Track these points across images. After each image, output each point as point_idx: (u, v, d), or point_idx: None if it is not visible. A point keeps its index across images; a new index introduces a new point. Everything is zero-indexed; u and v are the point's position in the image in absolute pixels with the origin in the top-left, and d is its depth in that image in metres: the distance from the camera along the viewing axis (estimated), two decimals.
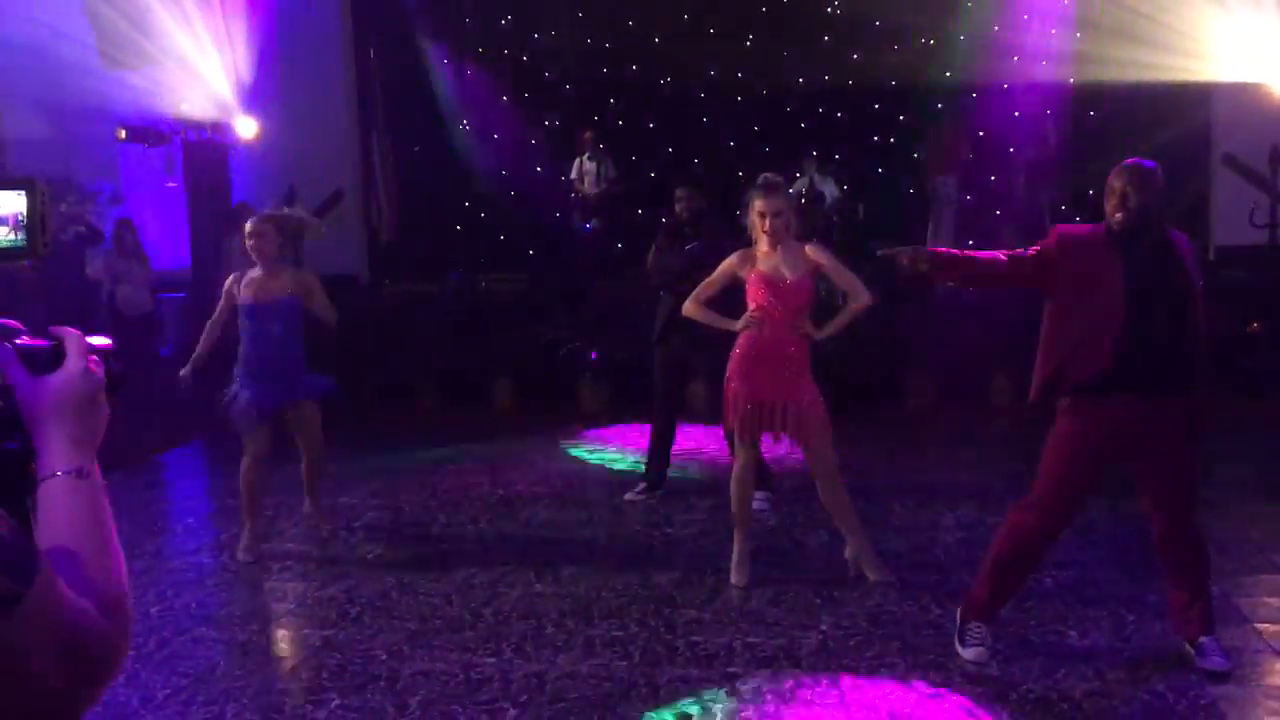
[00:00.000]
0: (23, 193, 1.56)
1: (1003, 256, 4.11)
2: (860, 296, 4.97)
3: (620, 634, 4.44)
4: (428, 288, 10.98)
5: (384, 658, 4.27)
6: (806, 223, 10.98)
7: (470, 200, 12.72)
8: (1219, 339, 8.58)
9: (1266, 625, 4.38)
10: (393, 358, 9.77)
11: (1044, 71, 10.76)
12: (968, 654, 4.08)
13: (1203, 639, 3.95)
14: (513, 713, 3.78)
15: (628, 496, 6.48)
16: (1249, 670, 3.96)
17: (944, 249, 4.25)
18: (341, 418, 8.85)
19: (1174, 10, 9.52)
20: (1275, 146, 9.90)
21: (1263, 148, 9.98)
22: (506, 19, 12.60)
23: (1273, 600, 4.71)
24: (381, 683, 4.05)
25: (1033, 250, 4.06)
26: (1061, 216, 9.41)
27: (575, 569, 5.27)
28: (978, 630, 4.13)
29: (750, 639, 4.36)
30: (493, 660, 4.21)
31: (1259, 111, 9.98)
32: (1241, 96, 10.05)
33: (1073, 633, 4.32)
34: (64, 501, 1.17)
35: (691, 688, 3.93)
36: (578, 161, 12.45)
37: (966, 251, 4.28)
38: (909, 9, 11.32)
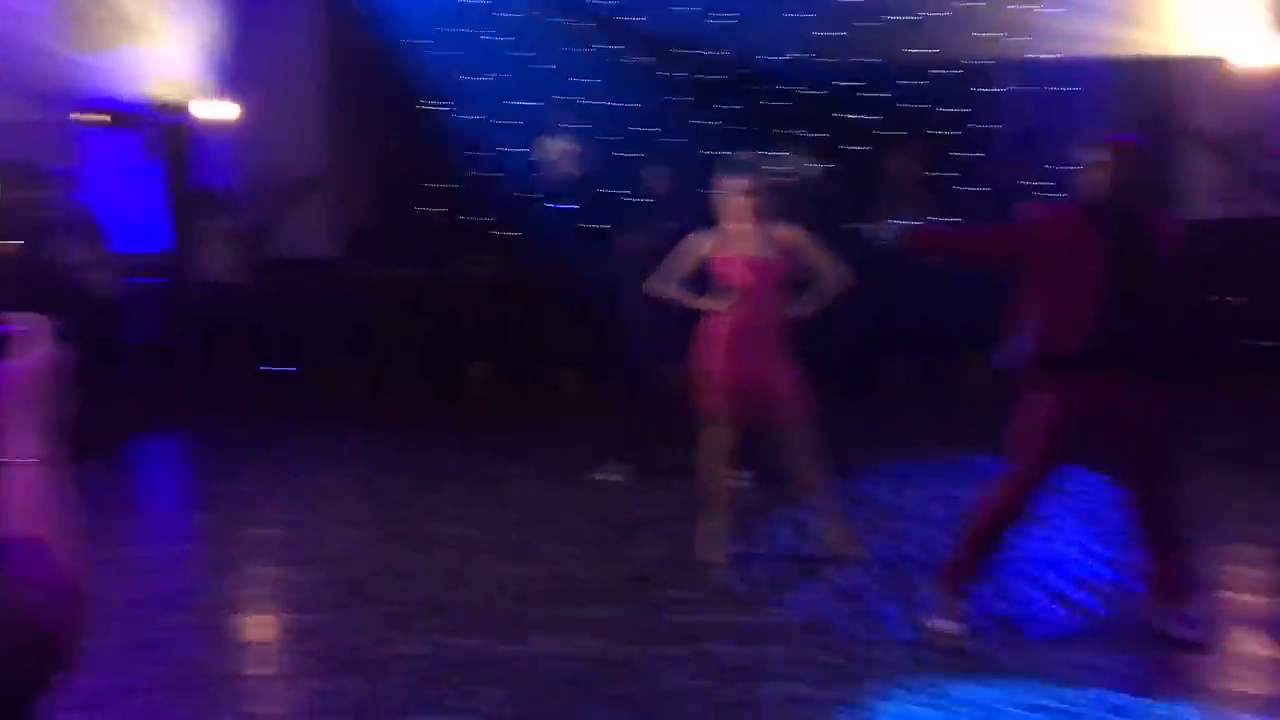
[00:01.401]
0: None
1: (984, 233, 4.13)
2: (837, 276, 4.99)
3: (601, 614, 4.46)
4: (404, 271, 10.94)
5: (364, 642, 4.27)
6: (786, 202, 11.06)
7: (446, 182, 12.64)
8: (1197, 313, 8.68)
9: (1241, 595, 4.45)
10: (368, 340, 9.74)
11: (1020, 48, 10.76)
12: (941, 626, 4.12)
13: (1178, 608, 4.01)
14: (494, 694, 3.79)
15: (608, 476, 6.49)
16: (1223, 640, 4.01)
17: (927, 226, 4.26)
18: (317, 401, 8.89)
19: None
20: (1247, 122, 9.96)
21: (1233, 123, 10.04)
22: None
23: (1249, 570, 4.78)
24: (362, 667, 4.05)
25: (1013, 227, 4.08)
26: (1039, 193, 9.45)
27: (556, 550, 5.28)
28: (954, 604, 4.16)
29: (730, 617, 4.39)
30: (474, 642, 4.22)
31: (1230, 86, 10.03)
32: (1212, 70, 10.10)
33: (1052, 606, 4.37)
34: (24, 489, 1.16)
35: (673, 667, 3.95)
36: (547, 141, 12.40)
37: (947, 228, 4.29)
38: None
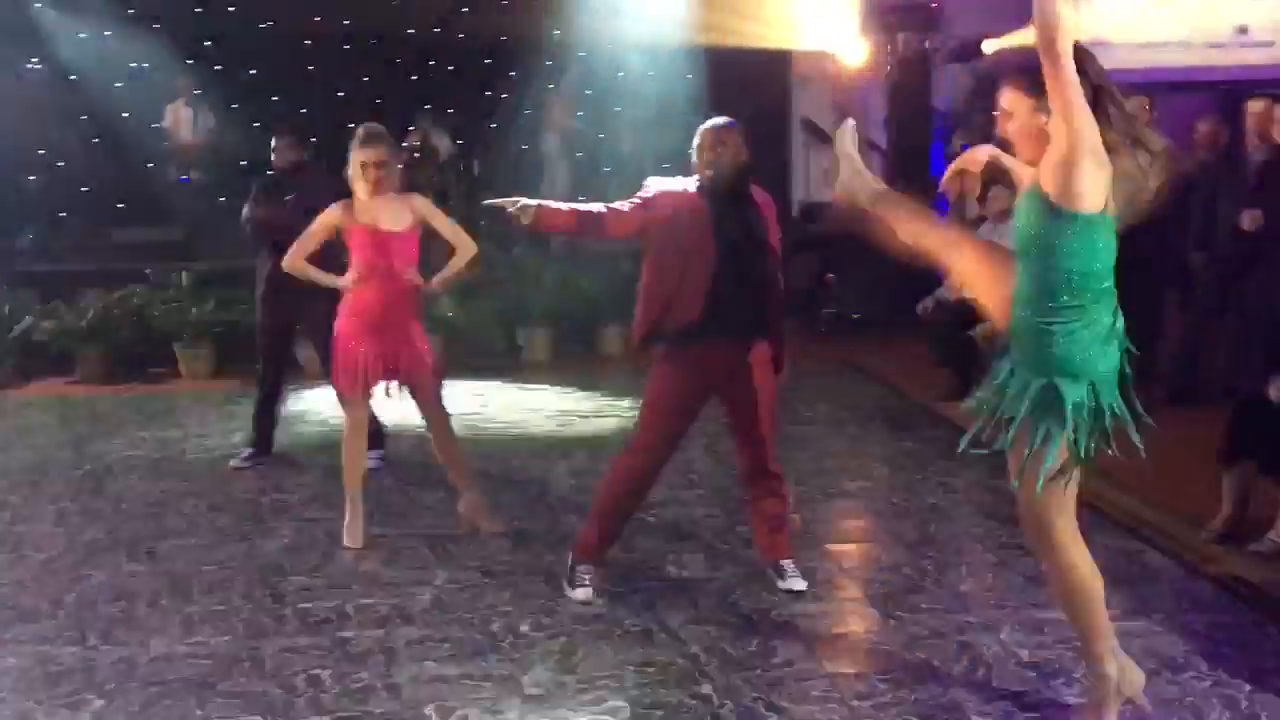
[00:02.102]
0: None
1: (603, 209, 4.23)
2: (465, 247, 4.97)
3: (222, 608, 4.22)
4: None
5: None
6: (420, 176, 10.91)
7: (46, 148, 11.44)
8: (800, 289, 9.42)
9: (837, 545, 4.87)
10: None
11: (648, 33, 11.17)
12: (577, 595, 4.23)
13: (783, 562, 4.33)
14: (99, 703, 3.48)
15: (233, 464, 6.15)
16: (823, 587, 4.37)
17: (549, 202, 4.32)
18: None
19: None
20: (844, 113, 10.88)
21: (834, 113, 10.94)
22: None
23: (844, 523, 5.24)
24: None
25: (630, 203, 4.22)
26: (665, 173, 9.87)
27: (173, 544, 4.94)
28: (586, 572, 4.29)
29: (363, 600, 4.28)
30: (75, 650, 3.86)
31: (831, 78, 10.93)
32: (816, 64, 10.96)
33: (671, 567, 4.59)
34: None
35: (302, 656, 3.80)
36: (172, 108, 11.57)
37: (570, 205, 4.37)
38: None
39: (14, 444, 6.78)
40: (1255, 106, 7.16)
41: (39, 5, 11.00)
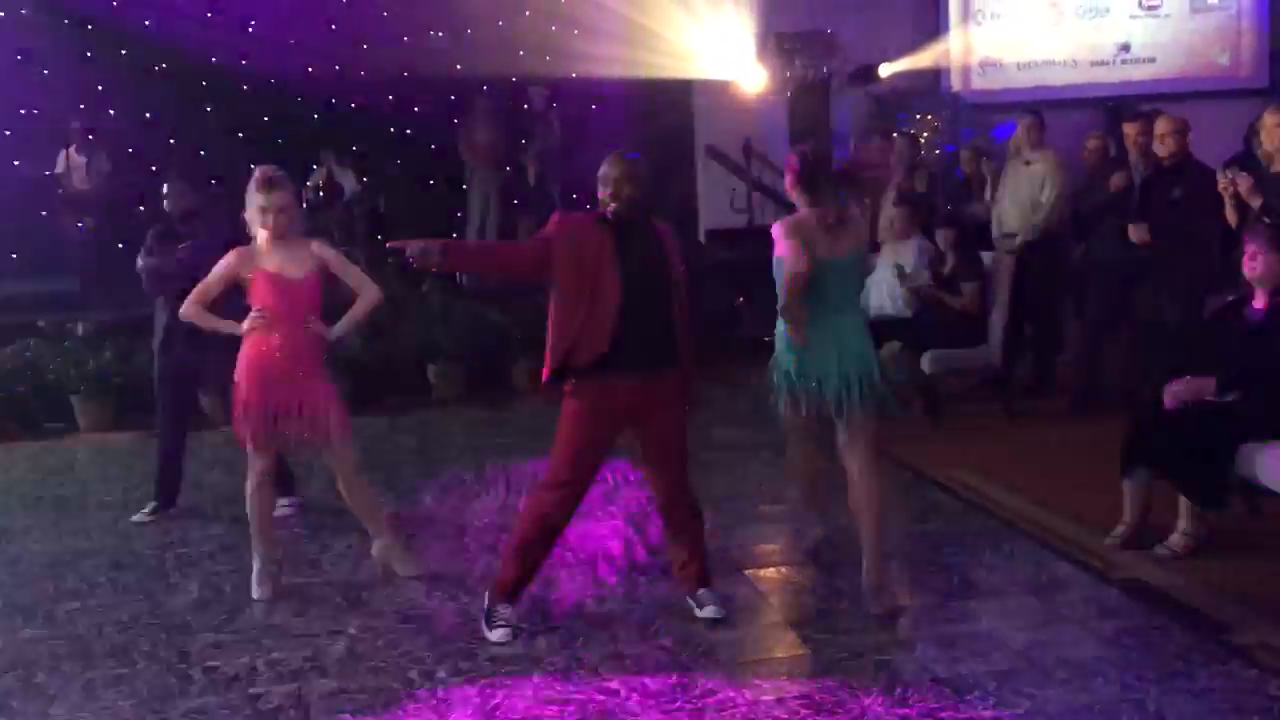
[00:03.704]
0: None
1: (507, 246, 4.21)
2: (368, 293, 4.90)
3: (125, 670, 4.07)
4: None
5: None
6: (326, 215, 10.77)
7: None
8: (709, 314, 9.46)
9: (754, 570, 4.88)
10: None
11: (547, 66, 11.22)
12: (494, 635, 4.17)
13: (700, 590, 4.32)
14: None
15: (135, 518, 5.97)
16: (742, 613, 4.38)
17: (455, 241, 4.29)
18: None
19: (655, 14, 10.34)
20: (747, 139, 11.04)
21: (738, 139, 11.10)
22: None
23: (760, 547, 5.25)
24: None
25: (536, 239, 4.21)
26: (573, 205, 9.89)
27: (72, 606, 4.76)
28: (504, 612, 4.24)
29: (274, 655, 4.17)
30: None
31: (733, 106, 11.08)
32: (718, 92, 11.11)
33: (589, 601, 4.55)
34: None
35: (209, 717, 3.69)
36: (64, 154, 11.27)
37: (476, 242, 4.35)
38: (422, 4, 11.36)
39: None
40: (1129, 130, 7.42)
41: None
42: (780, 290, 4.25)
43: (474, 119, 11.33)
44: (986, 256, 7.53)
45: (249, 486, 4.82)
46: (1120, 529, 4.87)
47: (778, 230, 4.26)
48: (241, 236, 4.85)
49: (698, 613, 4.27)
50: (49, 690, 3.95)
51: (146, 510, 6.02)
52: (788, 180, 4.46)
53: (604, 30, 10.55)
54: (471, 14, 11.43)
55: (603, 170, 4.20)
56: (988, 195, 8.77)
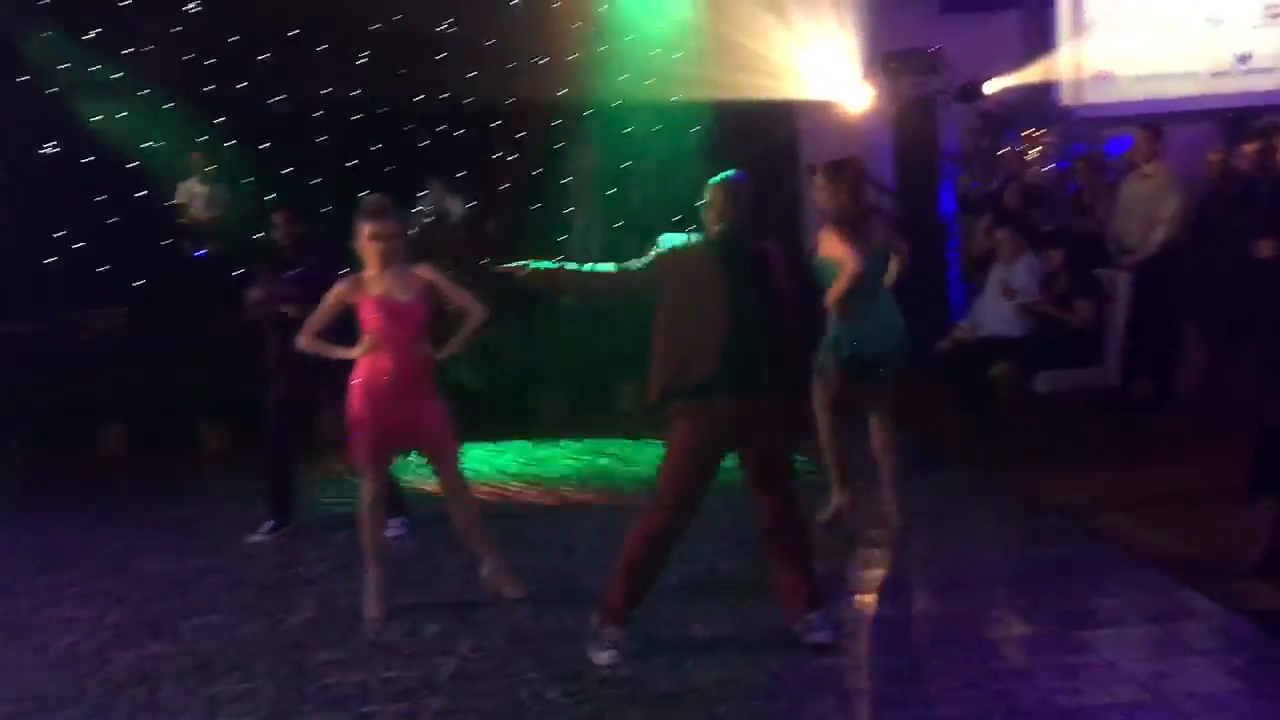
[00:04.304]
0: None
1: (614, 269, 4.24)
2: (475, 313, 4.97)
3: (246, 687, 4.18)
4: (15, 327, 9.92)
5: None
6: (435, 240, 10.97)
7: (63, 228, 11.57)
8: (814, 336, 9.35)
9: (862, 596, 4.79)
10: None
11: (651, 90, 11.27)
12: (602, 658, 4.17)
13: (810, 615, 4.26)
14: None
15: (253, 538, 6.13)
16: (850, 640, 4.31)
17: (559, 264, 4.34)
18: None
19: (760, 36, 10.33)
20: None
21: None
22: (96, 30, 11.56)
23: (867, 573, 5.16)
24: None
25: (642, 261, 4.23)
26: (676, 227, 9.90)
27: (196, 623, 4.91)
28: (611, 635, 4.23)
29: (387, 674, 4.23)
30: None
31: (837, 125, 10.99)
32: (823, 111, 11.03)
33: (697, 625, 4.52)
34: None
35: None
36: (186, 185, 11.70)
37: (580, 266, 4.38)
38: (518, 29, 11.52)
39: (26, 528, 6.76)
40: (1249, 149, 7.26)
41: (55, 89, 11.19)
42: (836, 284, 5.24)
43: (577, 142, 11.45)
44: (1101, 273, 7.33)
45: (361, 507, 4.92)
46: (1251, 556, 4.66)
47: (828, 237, 5.30)
48: (349, 262, 4.97)
49: (806, 638, 4.21)
50: (174, 705, 4.07)
51: (264, 529, 6.18)
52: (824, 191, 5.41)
53: (709, 53, 10.57)
54: (574, 40, 11.55)
55: (708, 192, 4.20)
56: (1100, 210, 8.54)
